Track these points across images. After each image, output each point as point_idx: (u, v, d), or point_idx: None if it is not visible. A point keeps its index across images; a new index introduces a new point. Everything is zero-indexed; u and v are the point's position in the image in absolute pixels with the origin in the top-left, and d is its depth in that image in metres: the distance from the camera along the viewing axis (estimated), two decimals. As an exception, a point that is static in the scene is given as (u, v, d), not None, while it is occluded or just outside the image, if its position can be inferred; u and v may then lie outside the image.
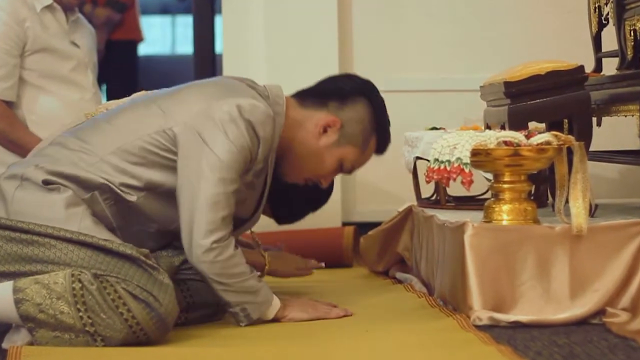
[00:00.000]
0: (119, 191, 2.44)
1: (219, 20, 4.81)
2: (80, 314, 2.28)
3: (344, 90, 2.64)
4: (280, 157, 2.58)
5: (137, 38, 5.97)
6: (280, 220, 2.87)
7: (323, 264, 3.03)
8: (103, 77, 5.69)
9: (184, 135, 2.44)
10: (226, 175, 2.41)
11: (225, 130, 2.41)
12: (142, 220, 2.48)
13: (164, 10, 9.72)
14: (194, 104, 2.48)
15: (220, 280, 2.43)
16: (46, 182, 2.41)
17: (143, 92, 3.01)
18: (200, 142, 2.41)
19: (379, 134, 2.66)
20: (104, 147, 2.46)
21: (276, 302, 2.54)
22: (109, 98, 5.92)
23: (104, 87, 5.90)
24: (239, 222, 2.52)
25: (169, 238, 2.55)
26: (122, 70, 5.84)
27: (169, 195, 2.46)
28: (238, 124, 2.42)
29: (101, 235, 2.36)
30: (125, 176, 2.44)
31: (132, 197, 2.45)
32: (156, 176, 2.46)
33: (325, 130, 2.60)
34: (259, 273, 2.59)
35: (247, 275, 2.46)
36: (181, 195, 2.43)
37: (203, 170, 2.40)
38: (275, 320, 2.55)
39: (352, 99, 2.63)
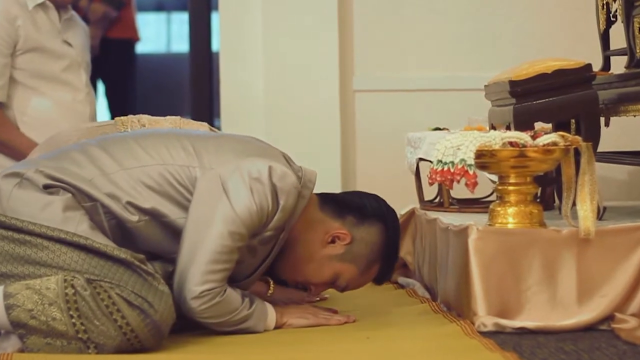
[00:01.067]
0: (121, 210, 2.44)
1: (215, 17, 4.81)
2: (73, 320, 2.28)
3: (366, 210, 2.65)
4: (281, 249, 2.58)
5: (134, 37, 5.98)
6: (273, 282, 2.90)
7: (326, 296, 3.04)
8: (100, 76, 5.71)
9: (206, 179, 2.45)
10: (237, 230, 2.42)
11: (250, 186, 2.42)
12: (139, 244, 2.48)
13: (159, 7, 9.73)
14: (226, 154, 2.50)
15: (209, 321, 2.45)
16: (47, 187, 2.42)
17: (178, 117, 3.03)
18: (221, 191, 2.42)
19: (382, 264, 2.67)
20: (126, 162, 2.47)
21: (272, 316, 2.55)
22: (107, 99, 5.93)
23: (102, 88, 5.91)
24: (229, 281, 2.52)
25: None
26: (119, 70, 5.85)
27: (170, 228, 2.47)
28: (264, 184, 2.43)
29: (97, 238, 2.37)
30: (135, 194, 2.45)
31: (134, 218, 2.45)
32: (164, 206, 2.46)
33: (333, 241, 2.61)
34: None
35: (238, 310, 2.47)
36: (186, 236, 2.43)
37: (216, 219, 2.41)
38: (275, 327, 2.55)
39: (370, 221, 2.64)
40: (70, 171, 2.46)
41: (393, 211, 2.71)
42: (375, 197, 2.71)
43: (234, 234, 2.42)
